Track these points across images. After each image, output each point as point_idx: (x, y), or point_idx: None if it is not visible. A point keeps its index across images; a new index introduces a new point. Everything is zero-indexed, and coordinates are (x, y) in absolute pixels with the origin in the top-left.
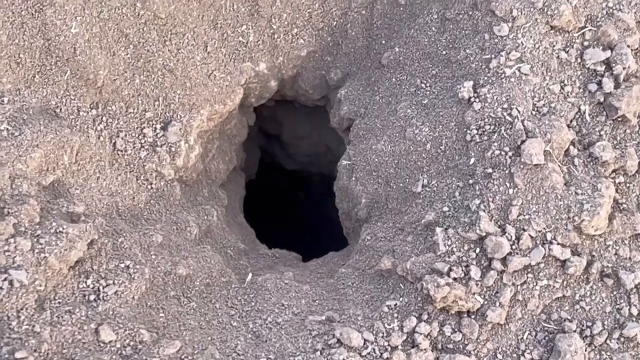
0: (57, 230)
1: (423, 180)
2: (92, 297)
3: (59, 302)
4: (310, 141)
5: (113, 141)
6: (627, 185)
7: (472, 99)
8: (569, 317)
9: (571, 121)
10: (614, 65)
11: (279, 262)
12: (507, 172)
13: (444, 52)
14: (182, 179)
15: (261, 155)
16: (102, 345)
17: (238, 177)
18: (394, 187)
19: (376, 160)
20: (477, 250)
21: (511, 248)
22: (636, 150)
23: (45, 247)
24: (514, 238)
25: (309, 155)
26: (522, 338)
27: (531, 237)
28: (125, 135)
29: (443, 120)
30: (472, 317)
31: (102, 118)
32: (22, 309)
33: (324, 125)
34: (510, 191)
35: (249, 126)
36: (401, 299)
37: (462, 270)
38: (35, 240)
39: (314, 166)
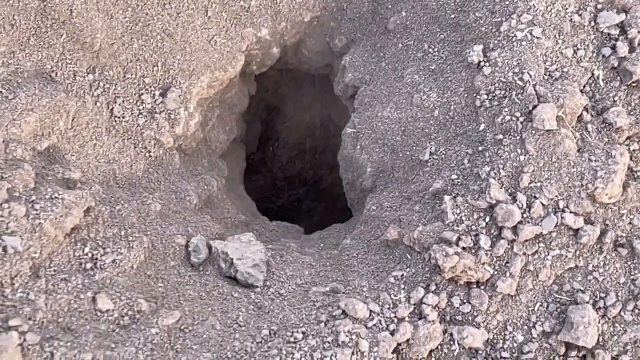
0: (53, 197)
1: (431, 148)
2: (89, 266)
3: (55, 270)
4: (313, 113)
5: (110, 107)
6: None
7: (482, 64)
8: (582, 288)
9: (584, 86)
10: (628, 29)
11: (281, 234)
12: (518, 138)
13: (452, 16)
14: (181, 147)
15: (262, 128)
16: (99, 314)
17: (239, 148)
18: (401, 155)
19: (382, 128)
20: (487, 219)
21: (522, 217)
22: None
23: (40, 213)
24: (525, 206)
25: (310, 128)
26: (534, 310)
27: (543, 205)
28: (123, 102)
29: (452, 85)
30: (482, 288)
31: (99, 83)
32: (16, 277)
33: (329, 96)
34: (522, 158)
35: (250, 96)
36: (408, 269)
37: (472, 239)
38: (30, 206)
39: (316, 138)
